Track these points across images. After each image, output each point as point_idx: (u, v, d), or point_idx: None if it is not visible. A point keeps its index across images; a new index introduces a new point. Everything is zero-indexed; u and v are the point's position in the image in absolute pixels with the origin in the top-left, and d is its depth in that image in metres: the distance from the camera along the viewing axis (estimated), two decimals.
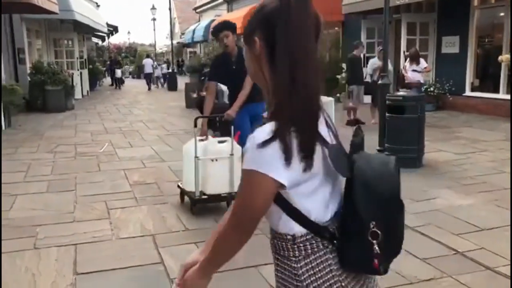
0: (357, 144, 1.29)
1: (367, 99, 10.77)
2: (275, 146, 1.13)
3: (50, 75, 14.07)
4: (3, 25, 12.89)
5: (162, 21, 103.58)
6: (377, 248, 1.18)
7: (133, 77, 38.46)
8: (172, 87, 23.12)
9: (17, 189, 5.57)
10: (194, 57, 28.21)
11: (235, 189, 4.17)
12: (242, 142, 4.56)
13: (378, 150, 6.87)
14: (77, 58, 18.39)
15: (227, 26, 4.72)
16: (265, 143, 1.13)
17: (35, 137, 9.44)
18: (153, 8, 42.03)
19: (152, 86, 26.04)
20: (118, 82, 26.58)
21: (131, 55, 47.44)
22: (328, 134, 1.26)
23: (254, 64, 1.26)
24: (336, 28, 17.48)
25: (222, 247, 1.28)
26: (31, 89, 14.04)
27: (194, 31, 30.79)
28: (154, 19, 44.00)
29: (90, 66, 22.20)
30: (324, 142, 1.21)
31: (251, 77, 1.34)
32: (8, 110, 10.65)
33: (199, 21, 33.96)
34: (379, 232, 1.17)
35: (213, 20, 28.23)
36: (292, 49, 1.16)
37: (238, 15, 22.92)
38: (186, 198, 4.84)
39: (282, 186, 1.16)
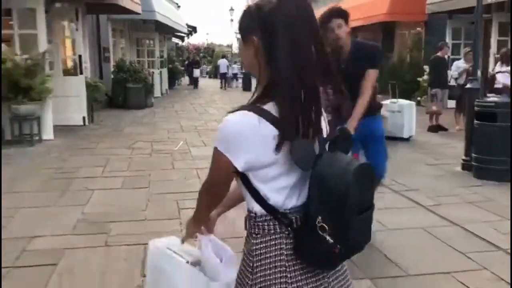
0: (333, 142, 1.35)
1: (451, 103, 10.12)
2: None
3: (131, 73, 14.64)
4: (91, 25, 13.57)
5: None
6: (329, 238, 1.23)
7: (209, 77, 39.29)
8: (247, 87, 23.25)
9: (94, 184, 5.74)
10: None
11: None
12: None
13: (464, 160, 6.37)
14: (158, 57, 19.02)
15: (340, 13, 3.59)
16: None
17: (115, 133, 9.81)
18: (231, 9, 42.78)
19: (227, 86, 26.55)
20: (195, 82, 27.23)
21: (209, 55, 48.48)
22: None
23: (252, 58, 1.34)
24: (418, 29, 16.68)
25: (201, 202, 1.52)
26: (114, 86, 14.67)
27: None
28: (232, 20, 44.80)
29: (170, 66, 22.90)
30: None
31: (247, 67, 1.41)
32: (91, 106, 11.17)
33: None
34: (326, 226, 1.23)
35: None
36: (289, 49, 1.25)
37: (317, 15, 22.64)
38: None
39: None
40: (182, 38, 32.66)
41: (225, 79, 26.93)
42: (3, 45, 8.12)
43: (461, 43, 13.46)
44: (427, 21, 15.68)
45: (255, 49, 1.31)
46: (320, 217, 1.24)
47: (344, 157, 1.30)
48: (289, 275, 1.30)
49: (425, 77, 13.05)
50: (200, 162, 7.02)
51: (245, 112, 1.26)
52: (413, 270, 3.41)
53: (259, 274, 1.32)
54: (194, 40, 44.64)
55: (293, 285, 1.30)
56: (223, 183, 1.39)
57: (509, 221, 4.40)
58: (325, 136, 1.37)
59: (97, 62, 14.33)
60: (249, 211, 1.36)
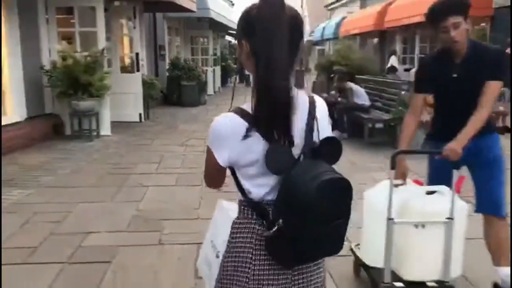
0: (317, 150, 1.40)
1: None
2: None
3: (186, 71, 14.80)
4: (148, 23, 13.82)
5: None
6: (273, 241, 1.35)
7: None
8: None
9: (149, 180, 5.76)
10: (323, 55, 27.89)
11: (453, 274, 2.79)
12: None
13: None
14: (211, 55, 19.16)
15: (457, 7, 2.69)
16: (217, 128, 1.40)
17: (170, 130, 9.91)
18: None
19: None
20: (247, 79, 27.21)
21: None
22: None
23: (245, 60, 1.44)
24: (482, 24, 15.83)
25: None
26: (168, 84, 14.90)
27: (324, 28, 30.46)
28: None
29: (223, 64, 23.03)
30: (271, 140, 1.34)
31: (245, 68, 1.49)
32: (147, 103, 11.35)
33: (329, 18, 33.58)
34: (282, 229, 1.31)
35: (344, 18, 27.60)
36: (265, 54, 1.32)
37: (371, 12, 22.04)
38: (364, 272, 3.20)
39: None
40: (235, 36, 32.77)
41: None
42: (64, 42, 8.37)
43: None
44: (493, 15, 14.86)
45: (244, 51, 1.41)
46: (281, 220, 1.32)
47: (320, 167, 1.34)
48: (254, 257, 1.41)
49: None
50: None
51: (231, 113, 1.39)
52: (484, 286, 3.12)
53: (231, 249, 1.46)
54: None
55: (256, 267, 1.41)
56: (215, 174, 1.50)
57: None
58: (317, 142, 1.43)
59: (153, 60, 14.58)
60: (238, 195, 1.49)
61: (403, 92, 7.85)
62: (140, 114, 10.75)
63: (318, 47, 40.05)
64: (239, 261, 1.43)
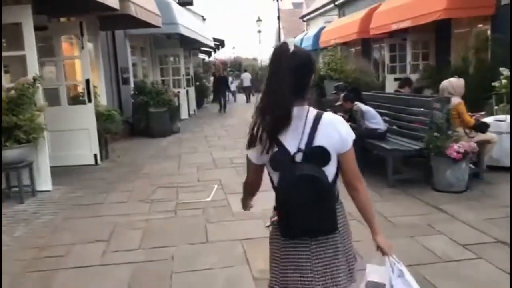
0: (307, 155, 1.86)
1: None
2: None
3: (153, 95, 12.72)
4: (106, 43, 11.75)
5: (267, 33, 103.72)
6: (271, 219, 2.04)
7: (239, 92, 37.38)
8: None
9: (87, 284, 3.66)
10: None
11: None
12: None
13: None
14: (183, 75, 17.12)
15: None
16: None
17: (132, 175, 7.75)
18: (259, 20, 41.11)
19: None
20: (221, 102, 25.03)
21: (236, 69, 46.69)
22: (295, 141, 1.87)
23: None
24: (479, 25, 14.23)
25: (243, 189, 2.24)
26: (135, 112, 12.82)
27: (302, 40, 29.13)
28: (259, 31, 43.15)
29: (197, 83, 20.99)
30: (279, 145, 1.86)
31: None
32: (105, 139, 9.20)
33: (305, 30, 32.42)
34: (278, 210, 1.91)
35: (322, 28, 26.04)
36: (267, 84, 1.88)
37: (352, 20, 20.39)
38: None
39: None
40: (209, 54, 30.90)
41: (249, 93, 27.14)
42: None
43: None
44: (494, 15, 13.25)
45: None
46: (275, 204, 1.90)
47: (304, 168, 1.81)
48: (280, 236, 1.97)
49: (504, 81, 10.61)
50: (246, 225, 4.82)
51: None
52: None
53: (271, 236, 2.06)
54: (222, 54, 42.81)
55: (282, 241, 1.97)
56: (249, 174, 2.07)
57: None
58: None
59: (114, 85, 12.47)
60: None
61: (435, 112, 5.91)
62: (95, 155, 8.59)
63: None
64: (273, 239, 2.02)
